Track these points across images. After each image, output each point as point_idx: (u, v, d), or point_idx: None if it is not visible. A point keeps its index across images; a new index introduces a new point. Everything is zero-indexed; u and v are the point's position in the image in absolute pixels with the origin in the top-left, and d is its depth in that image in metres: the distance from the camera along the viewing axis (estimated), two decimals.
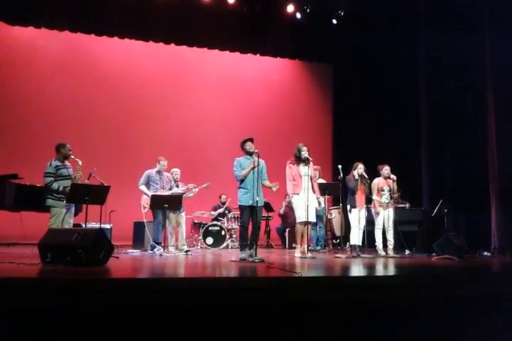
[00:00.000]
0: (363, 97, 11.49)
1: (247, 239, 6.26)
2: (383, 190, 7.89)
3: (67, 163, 6.51)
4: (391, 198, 7.92)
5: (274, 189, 6.46)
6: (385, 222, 7.81)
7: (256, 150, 6.38)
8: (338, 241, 9.26)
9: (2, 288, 3.27)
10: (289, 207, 7.28)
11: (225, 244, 9.35)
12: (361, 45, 11.25)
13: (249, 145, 6.45)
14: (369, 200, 7.85)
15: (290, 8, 11.21)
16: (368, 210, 7.93)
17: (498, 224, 8.52)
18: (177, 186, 8.07)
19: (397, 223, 7.81)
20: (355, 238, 7.58)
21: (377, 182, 7.94)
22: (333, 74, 12.70)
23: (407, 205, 9.01)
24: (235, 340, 3.60)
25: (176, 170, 8.19)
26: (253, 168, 6.31)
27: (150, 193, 7.58)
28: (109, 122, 10.71)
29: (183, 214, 8.05)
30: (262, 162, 6.47)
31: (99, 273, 4.33)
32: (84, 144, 9.31)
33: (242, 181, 6.33)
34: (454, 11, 9.35)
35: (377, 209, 7.81)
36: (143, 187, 7.74)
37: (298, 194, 6.96)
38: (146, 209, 7.72)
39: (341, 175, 7.72)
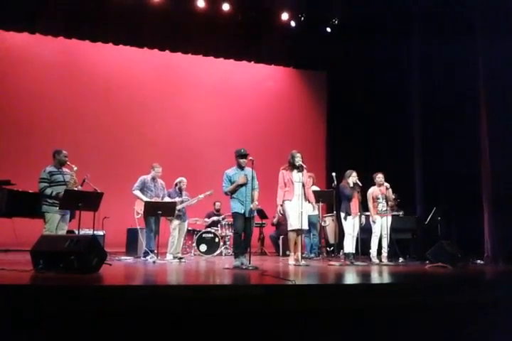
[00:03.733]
0: (357, 104, 11.53)
1: (241, 247, 6.29)
2: (378, 198, 7.91)
3: (64, 169, 6.51)
4: (387, 205, 7.93)
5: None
6: (382, 230, 7.82)
7: (250, 158, 6.43)
8: (332, 248, 9.26)
9: None
10: (279, 214, 7.25)
11: (218, 251, 9.32)
12: (355, 53, 11.31)
13: (242, 160, 6.50)
14: (364, 208, 7.87)
15: (285, 16, 11.28)
16: (365, 218, 7.94)
17: (491, 232, 8.54)
18: (181, 195, 8.05)
19: (390, 231, 7.82)
20: (349, 246, 7.58)
21: (372, 191, 7.97)
22: (327, 82, 12.76)
23: (401, 213, 9.03)
24: None
25: (183, 180, 8.14)
26: (241, 186, 6.37)
27: (146, 199, 7.55)
28: (102, 128, 10.70)
29: (186, 223, 8.05)
30: (252, 172, 6.50)
31: (91, 280, 4.30)
32: (78, 150, 9.24)
33: (234, 192, 6.40)
34: (446, 17, 9.43)
35: (374, 218, 7.82)
36: (138, 192, 7.70)
37: (290, 200, 6.95)
38: (140, 215, 7.69)
39: (335, 182, 7.73)
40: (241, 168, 6.53)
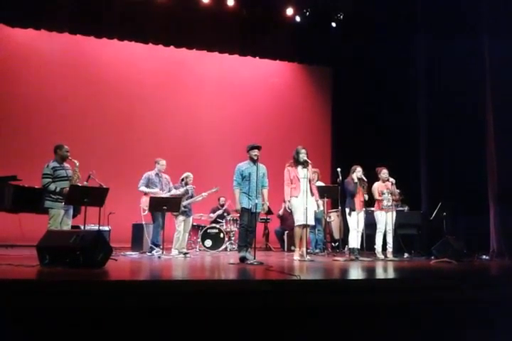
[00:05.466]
0: (362, 100, 11.50)
1: (246, 241, 6.32)
2: (383, 194, 7.89)
3: (65, 164, 6.51)
4: (392, 201, 7.91)
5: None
6: (386, 225, 7.81)
7: (255, 154, 6.47)
8: (337, 244, 9.25)
9: (0, 290, 3.26)
10: (288, 210, 7.28)
11: (223, 247, 9.35)
12: (360, 48, 11.27)
13: (254, 152, 6.52)
14: (368, 203, 7.86)
15: (289, 11, 11.24)
16: (368, 213, 7.93)
17: (497, 228, 8.52)
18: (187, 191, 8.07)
19: (396, 226, 7.81)
20: (354, 241, 7.58)
21: (377, 186, 7.96)
22: (332, 77, 12.72)
23: (406, 208, 9.01)
24: None
25: (190, 175, 8.14)
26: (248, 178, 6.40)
27: (153, 191, 7.57)
28: (108, 124, 10.71)
29: (190, 218, 8.08)
30: (263, 168, 6.54)
31: (97, 275, 4.32)
32: (84, 146, 9.29)
33: (242, 187, 6.45)
34: (453, 13, 9.36)
35: (379, 213, 7.80)
36: (144, 188, 7.74)
37: (296, 197, 6.96)
38: (146, 212, 7.72)
39: (340, 178, 7.72)
40: (253, 161, 6.52)
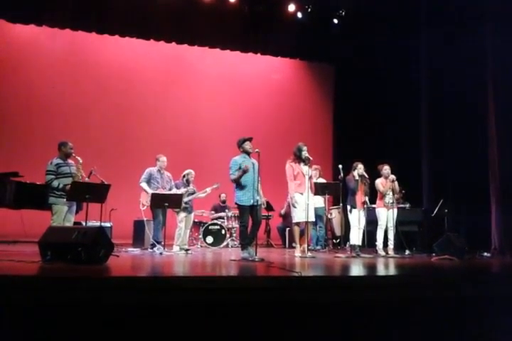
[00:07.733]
0: (364, 97, 11.48)
1: (248, 238, 6.25)
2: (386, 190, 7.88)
3: (69, 161, 6.52)
4: (394, 198, 7.91)
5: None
6: (387, 222, 7.81)
7: (257, 150, 6.32)
8: (338, 240, 9.26)
9: (1, 286, 3.27)
10: (293, 207, 7.22)
11: (225, 243, 9.36)
12: (362, 45, 11.24)
13: (248, 145, 6.41)
14: (369, 200, 7.85)
15: (291, 8, 11.22)
16: (369, 210, 7.92)
17: (498, 225, 8.53)
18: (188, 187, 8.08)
19: (397, 223, 7.81)
20: (355, 238, 7.57)
21: (380, 181, 7.94)
22: (334, 74, 12.70)
23: (408, 205, 9.01)
24: (234, 340, 3.60)
25: (191, 172, 8.12)
26: (245, 173, 6.21)
27: (151, 191, 7.58)
28: (109, 120, 10.71)
29: (192, 215, 8.08)
30: (256, 162, 6.44)
31: (99, 271, 4.32)
32: (85, 142, 9.27)
33: (239, 181, 6.27)
34: (455, 12, 9.36)
35: (381, 210, 7.80)
36: (144, 185, 7.72)
37: (301, 193, 6.92)
38: (145, 207, 7.71)
39: (341, 174, 7.71)
40: (248, 154, 6.41)
